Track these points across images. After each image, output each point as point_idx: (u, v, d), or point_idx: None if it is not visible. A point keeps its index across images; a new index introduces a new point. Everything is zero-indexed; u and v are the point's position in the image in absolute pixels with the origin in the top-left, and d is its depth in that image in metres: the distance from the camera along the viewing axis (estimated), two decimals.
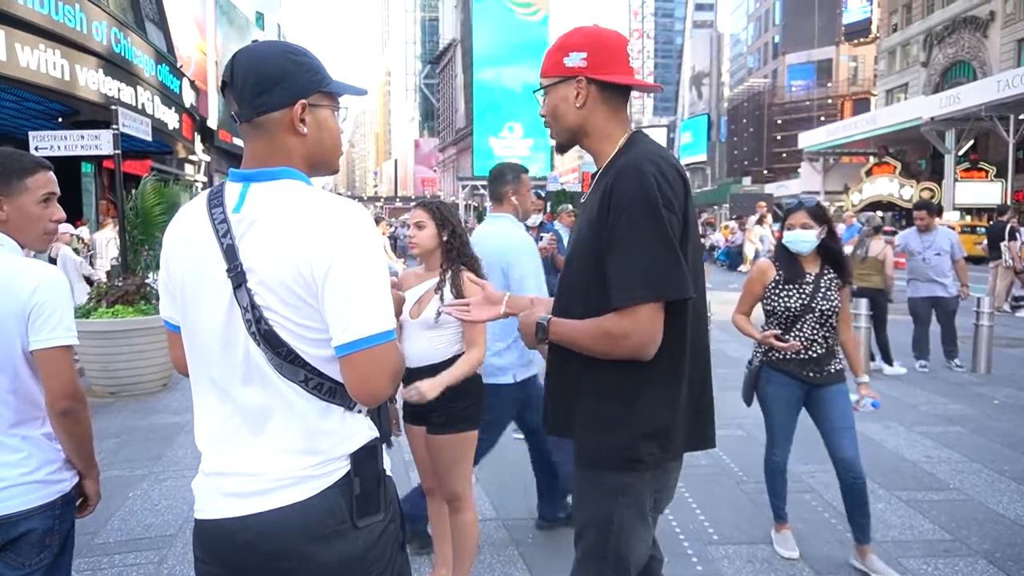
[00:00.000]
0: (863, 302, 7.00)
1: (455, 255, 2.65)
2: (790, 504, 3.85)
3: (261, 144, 1.33)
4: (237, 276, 1.26)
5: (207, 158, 24.21)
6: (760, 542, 3.42)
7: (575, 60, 1.68)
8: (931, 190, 24.71)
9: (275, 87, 1.29)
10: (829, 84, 50.92)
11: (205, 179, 24.29)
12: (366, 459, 1.33)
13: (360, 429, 1.34)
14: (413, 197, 67.68)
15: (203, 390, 1.37)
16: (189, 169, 22.78)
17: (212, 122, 25.10)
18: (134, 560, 3.28)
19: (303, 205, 1.27)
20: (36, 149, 6.95)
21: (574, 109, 1.71)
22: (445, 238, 2.65)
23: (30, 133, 7.27)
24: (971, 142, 24.17)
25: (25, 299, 1.65)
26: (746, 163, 53.53)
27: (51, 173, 1.84)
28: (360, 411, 1.35)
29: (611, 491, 1.70)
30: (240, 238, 1.27)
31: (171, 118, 15.47)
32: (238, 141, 28.82)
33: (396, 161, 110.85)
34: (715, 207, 50.04)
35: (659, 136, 68.96)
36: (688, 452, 1.77)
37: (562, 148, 1.82)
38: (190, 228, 1.34)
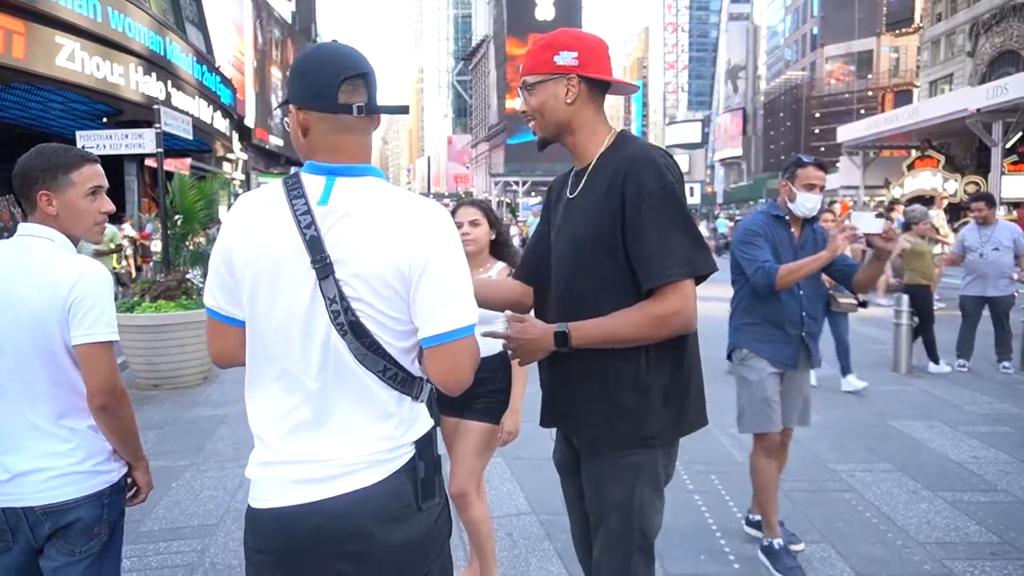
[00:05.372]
0: (905, 298, 6.83)
1: (501, 251, 2.82)
2: (830, 503, 3.79)
3: (357, 139, 1.37)
4: (324, 267, 1.27)
5: (244, 156, 24.65)
6: (797, 541, 3.36)
7: (566, 59, 1.77)
8: (977, 184, 23.98)
9: None
10: (869, 76, 49.66)
11: (243, 176, 24.73)
12: (427, 444, 1.39)
13: (423, 417, 1.41)
14: (446, 194, 67.92)
15: (266, 381, 1.37)
16: (227, 167, 23.22)
17: (249, 121, 25.53)
18: (178, 548, 3.36)
19: (397, 202, 1.32)
20: (83, 148, 7.14)
21: (564, 105, 1.79)
22: (494, 236, 2.80)
23: (77, 133, 7.49)
24: (1019, 134, 23.38)
25: (65, 293, 1.67)
26: (783, 157, 52.45)
27: (97, 166, 1.85)
28: (422, 400, 1.40)
29: (630, 471, 1.79)
30: (328, 230, 1.29)
31: (211, 117, 15.79)
32: (274, 139, 29.28)
33: (429, 158, 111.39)
34: (751, 202, 49.25)
35: (693, 131, 68.09)
36: (691, 432, 1.87)
37: (544, 143, 1.89)
38: (263, 218, 1.33)
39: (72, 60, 10.05)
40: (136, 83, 11.88)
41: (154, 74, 12.54)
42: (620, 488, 1.80)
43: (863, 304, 5.89)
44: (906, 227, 7.34)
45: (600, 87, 1.81)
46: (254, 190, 1.43)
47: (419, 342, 1.37)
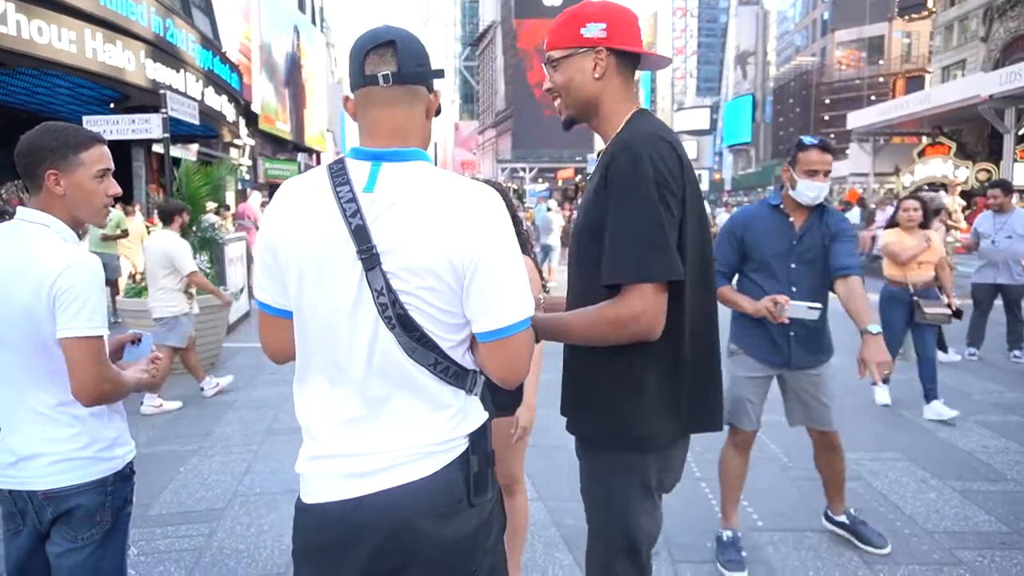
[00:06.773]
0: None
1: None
2: None
3: (396, 113, 1.29)
4: (371, 258, 1.22)
5: (251, 142, 24.62)
6: (806, 529, 3.36)
7: (594, 31, 1.64)
8: (988, 171, 23.72)
9: (427, 66, 1.32)
10: (880, 62, 49.07)
11: (249, 162, 24.71)
12: (481, 438, 1.34)
13: (476, 410, 1.36)
14: None
15: (313, 374, 1.33)
16: (234, 153, 23.18)
17: (256, 107, 25.45)
18: (186, 532, 3.38)
19: (446, 190, 1.25)
20: None
21: (591, 80, 1.67)
22: None
23: (84, 118, 7.48)
24: None
25: (49, 284, 1.62)
26: (792, 144, 52.11)
27: (105, 147, 1.81)
28: (475, 393, 1.36)
29: (615, 470, 1.73)
30: (374, 219, 1.23)
31: (217, 102, 15.76)
32: (281, 126, 29.19)
33: (436, 144, 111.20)
34: (759, 189, 48.92)
35: (701, 117, 67.54)
36: (696, 433, 1.81)
37: (570, 123, 1.78)
38: (307, 206, 1.27)
39: (79, 44, 9.90)
40: (143, 68, 11.84)
41: (160, 59, 12.49)
42: (604, 485, 1.75)
43: (957, 314, 4.81)
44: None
45: (630, 60, 1.68)
46: (300, 175, 1.35)
47: (470, 335, 1.31)
